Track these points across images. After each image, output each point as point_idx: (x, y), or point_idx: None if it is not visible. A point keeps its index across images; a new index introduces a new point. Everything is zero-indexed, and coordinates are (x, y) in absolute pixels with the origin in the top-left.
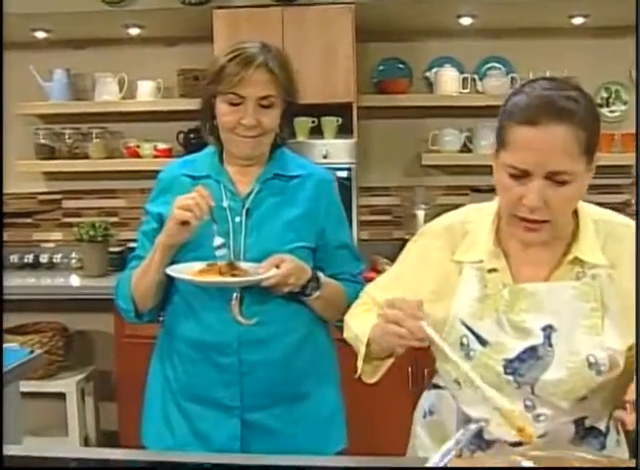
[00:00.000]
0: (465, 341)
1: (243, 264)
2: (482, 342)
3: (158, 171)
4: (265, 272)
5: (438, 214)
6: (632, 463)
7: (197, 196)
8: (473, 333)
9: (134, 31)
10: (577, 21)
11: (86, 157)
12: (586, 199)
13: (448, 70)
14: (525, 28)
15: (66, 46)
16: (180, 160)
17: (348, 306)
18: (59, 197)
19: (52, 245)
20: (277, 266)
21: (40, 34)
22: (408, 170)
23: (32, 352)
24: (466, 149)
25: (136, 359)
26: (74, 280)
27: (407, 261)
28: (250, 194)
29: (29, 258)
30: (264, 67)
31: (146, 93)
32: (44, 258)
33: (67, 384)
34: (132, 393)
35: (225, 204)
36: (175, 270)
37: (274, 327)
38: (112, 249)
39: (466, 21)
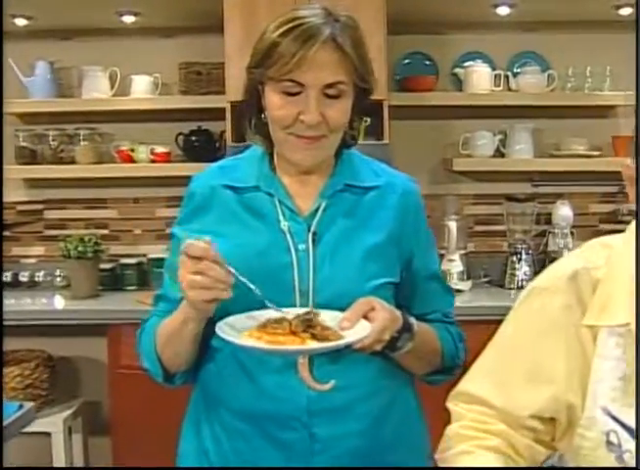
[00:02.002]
0: (613, 438)
1: (322, 316)
2: None
3: (154, 178)
4: (350, 326)
5: (470, 227)
6: (632, 463)
7: (204, 267)
8: (623, 426)
9: (129, 19)
10: (625, 11)
11: (72, 161)
12: None
13: (480, 66)
14: (562, 21)
15: (49, 36)
16: (215, 166)
17: (442, 356)
18: (41, 207)
19: (33, 261)
20: (365, 316)
21: (20, 22)
22: (435, 177)
23: (21, 406)
24: (498, 153)
25: (133, 392)
26: (59, 301)
27: (519, 333)
28: (314, 212)
29: (7, 276)
30: (331, 43)
31: (141, 90)
32: (24, 276)
33: (52, 422)
34: (128, 428)
35: (284, 226)
36: (230, 329)
37: (354, 391)
38: (102, 265)
39: (503, 10)
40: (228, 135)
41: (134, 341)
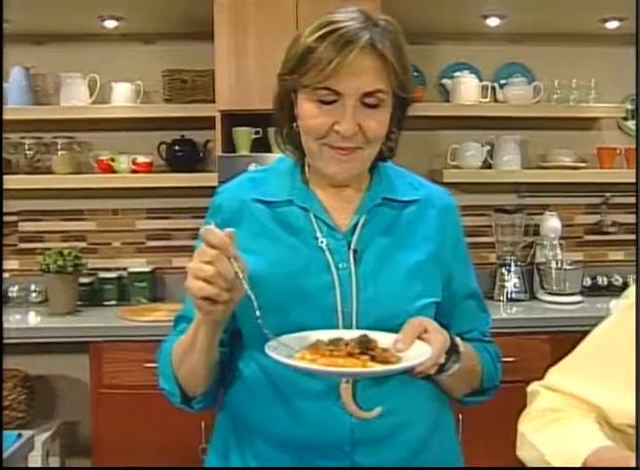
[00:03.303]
0: None
1: (373, 336)
2: None
3: (135, 189)
4: (405, 348)
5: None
6: (632, 463)
7: (215, 256)
8: None
9: (110, 24)
10: (612, 25)
11: (49, 172)
12: None
13: (467, 77)
14: (548, 33)
15: (25, 40)
16: (244, 177)
17: (482, 377)
18: (15, 218)
19: (6, 275)
20: (419, 337)
21: None
22: None
23: (20, 435)
24: (486, 165)
25: (116, 412)
26: (37, 318)
27: (621, 337)
28: (353, 228)
29: None
30: (371, 48)
31: (122, 97)
32: None
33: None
34: (110, 449)
35: (322, 243)
36: (282, 348)
37: (397, 416)
38: (80, 280)
39: (493, 21)
40: (218, 145)
41: (117, 358)
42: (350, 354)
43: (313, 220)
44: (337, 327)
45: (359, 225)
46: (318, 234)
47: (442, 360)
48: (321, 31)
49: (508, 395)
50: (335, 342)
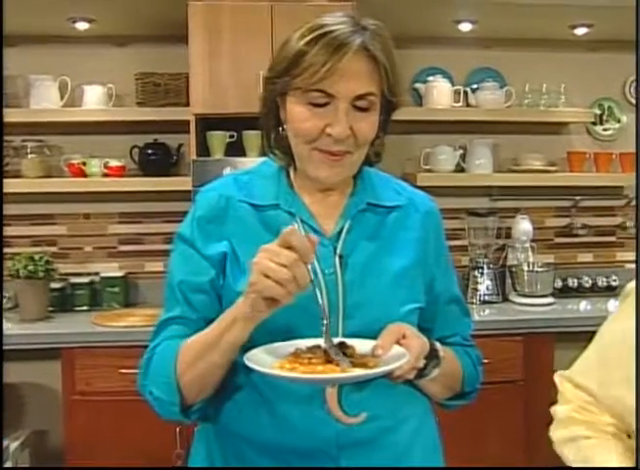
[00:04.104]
0: None
1: (351, 343)
2: None
3: (107, 193)
4: (384, 354)
5: None
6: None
7: (293, 260)
8: None
9: (82, 26)
10: (580, 31)
11: (18, 175)
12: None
13: (440, 82)
14: (520, 39)
15: None
16: (228, 178)
17: (463, 381)
18: None
19: None
20: (398, 342)
21: None
22: None
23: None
24: (459, 168)
25: (89, 419)
26: (4, 324)
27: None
28: (338, 234)
29: None
30: (363, 51)
31: (93, 100)
32: None
33: None
34: (83, 457)
35: None
36: (258, 359)
37: (382, 421)
38: (51, 285)
39: (465, 27)
40: (192, 149)
41: (90, 365)
42: (329, 361)
43: (300, 225)
44: (323, 333)
45: (344, 231)
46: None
47: (421, 365)
48: (312, 35)
49: (484, 396)
50: (313, 349)
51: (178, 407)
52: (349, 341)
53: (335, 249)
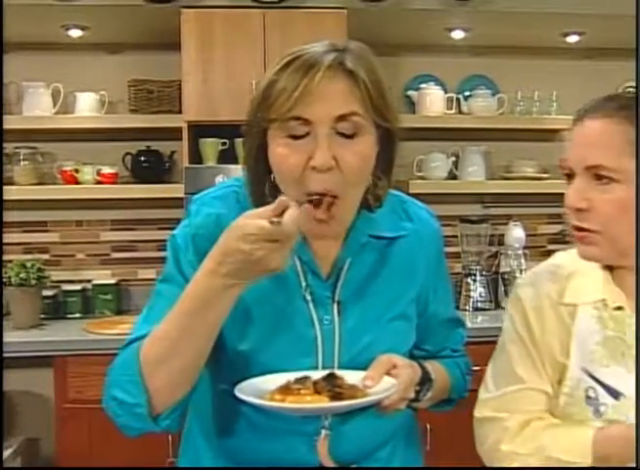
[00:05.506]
0: (592, 393)
1: (341, 374)
2: (614, 394)
3: (99, 200)
4: (373, 385)
5: None
6: (632, 463)
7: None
8: (600, 383)
9: (75, 33)
10: (572, 39)
11: (11, 183)
12: None
13: (433, 89)
14: (512, 46)
15: None
16: (228, 192)
17: (451, 391)
18: None
19: None
20: (388, 373)
21: None
22: None
23: None
24: (451, 175)
25: (81, 427)
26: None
27: (528, 323)
28: (338, 273)
29: None
30: (338, 67)
31: (86, 107)
32: None
33: None
34: (76, 465)
35: (306, 292)
36: (250, 390)
37: (369, 444)
38: (43, 292)
39: (458, 34)
40: (185, 156)
41: (83, 372)
42: (318, 393)
43: (297, 264)
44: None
45: (344, 270)
46: (303, 282)
47: (412, 395)
48: (283, 61)
49: (475, 403)
50: (302, 380)
51: (146, 408)
52: (339, 372)
53: (333, 293)
